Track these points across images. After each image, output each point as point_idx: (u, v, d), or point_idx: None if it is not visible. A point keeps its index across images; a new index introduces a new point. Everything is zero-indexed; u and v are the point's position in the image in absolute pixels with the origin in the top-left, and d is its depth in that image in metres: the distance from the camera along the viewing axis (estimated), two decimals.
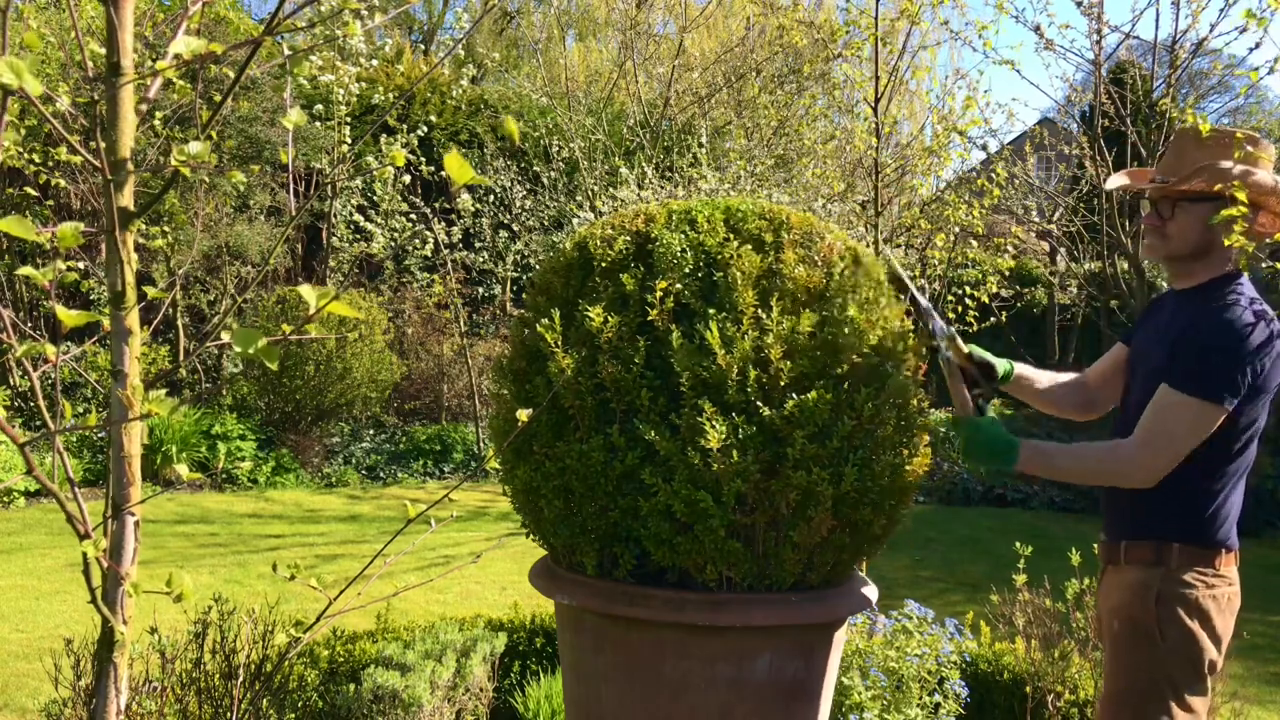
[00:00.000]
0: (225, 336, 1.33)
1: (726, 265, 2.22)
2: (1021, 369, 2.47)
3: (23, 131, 8.24)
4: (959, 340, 2.38)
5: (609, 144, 11.78)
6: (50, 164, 8.26)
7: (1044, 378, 2.50)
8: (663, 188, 8.71)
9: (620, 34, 13.39)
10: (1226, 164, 2.06)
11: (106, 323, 1.53)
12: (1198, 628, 2.06)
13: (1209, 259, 2.15)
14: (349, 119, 10.07)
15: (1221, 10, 5.86)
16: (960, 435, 2.22)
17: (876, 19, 4.94)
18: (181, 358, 9.57)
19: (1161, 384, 2.05)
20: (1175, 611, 2.06)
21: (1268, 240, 2.20)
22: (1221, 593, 2.09)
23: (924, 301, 2.39)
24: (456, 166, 1.24)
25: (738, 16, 13.94)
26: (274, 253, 1.96)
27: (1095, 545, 2.37)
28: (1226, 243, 2.09)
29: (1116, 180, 2.30)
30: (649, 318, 2.20)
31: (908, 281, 2.39)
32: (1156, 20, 11.12)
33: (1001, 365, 2.41)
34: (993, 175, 7.26)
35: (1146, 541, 2.13)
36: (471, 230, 11.69)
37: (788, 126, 9.84)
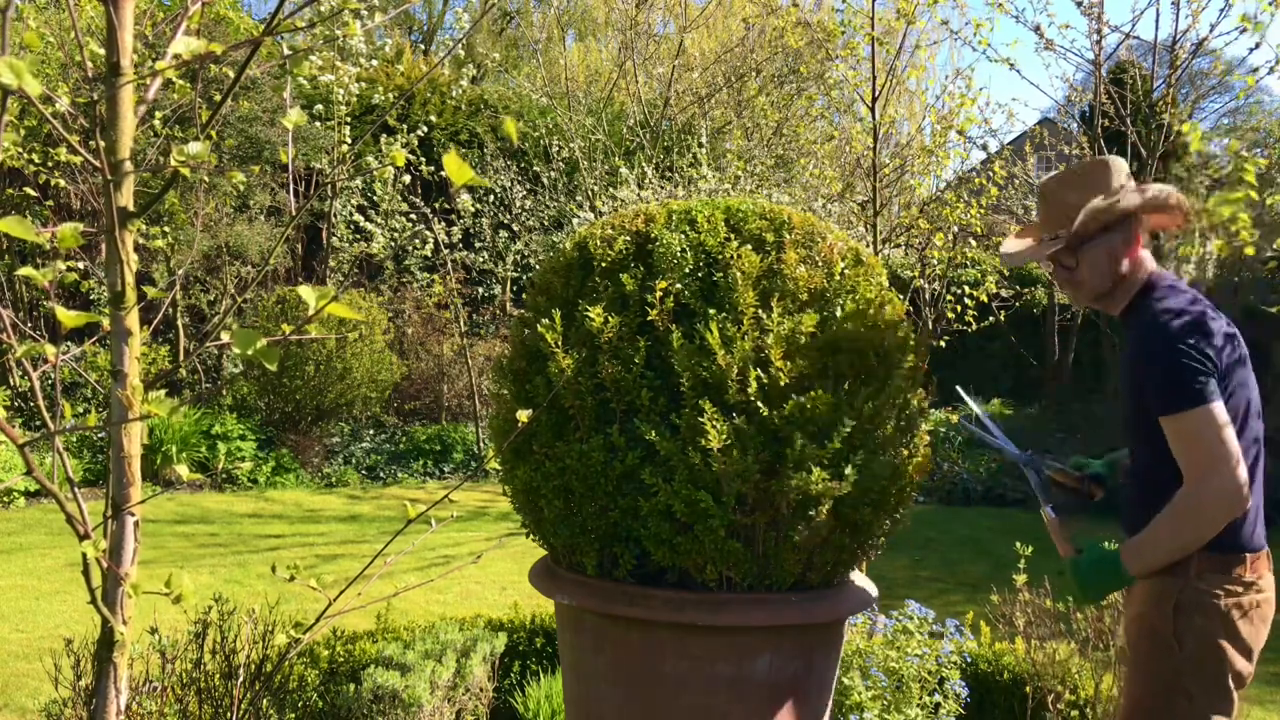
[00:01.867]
0: (225, 337, 1.33)
1: (727, 265, 2.22)
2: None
3: (22, 132, 8.25)
4: (1057, 478, 2.42)
5: (609, 144, 11.78)
6: (50, 164, 8.26)
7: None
8: (663, 188, 8.71)
9: (620, 34, 13.39)
10: (1098, 200, 2.13)
11: (106, 323, 1.53)
12: (1220, 638, 2.00)
13: (1125, 283, 2.18)
14: (349, 119, 10.07)
15: (1221, 10, 5.85)
16: (1072, 581, 2.17)
17: (873, 19, 4.94)
18: (181, 358, 9.57)
19: (1160, 420, 2.02)
20: (1194, 621, 2.00)
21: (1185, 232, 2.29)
22: (1248, 600, 2.01)
23: (1014, 454, 2.42)
24: (455, 167, 1.24)
25: (737, 16, 13.94)
26: (274, 253, 1.96)
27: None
28: (1223, 252, 2.10)
29: (1012, 249, 2.32)
30: (649, 318, 2.20)
31: (993, 433, 2.43)
32: (1156, 20, 11.12)
33: (1106, 468, 2.46)
34: (991, 175, 7.26)
35: None
36: (471, 230, 11.69)
37: (786, 127, 9.84)
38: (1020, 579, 3.70)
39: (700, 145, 9.86)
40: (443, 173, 9.80)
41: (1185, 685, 2.02)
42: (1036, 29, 6.38)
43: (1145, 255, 2.18)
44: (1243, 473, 1.95)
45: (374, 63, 11.66)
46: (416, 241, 11.20)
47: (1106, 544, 2.12)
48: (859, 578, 2.51)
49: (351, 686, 3.09)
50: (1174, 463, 2.00)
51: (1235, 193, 2.53)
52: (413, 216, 11.04)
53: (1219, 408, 1.96)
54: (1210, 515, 1.97)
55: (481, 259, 11.94)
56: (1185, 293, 2.12)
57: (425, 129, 10.75)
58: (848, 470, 2.12)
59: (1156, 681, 2.06)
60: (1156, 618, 2.05)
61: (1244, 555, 2.02)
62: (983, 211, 7.11)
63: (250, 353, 1.26)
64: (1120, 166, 2.19)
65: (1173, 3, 6.26)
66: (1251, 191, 2.70)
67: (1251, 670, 2.05)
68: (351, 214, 11.20)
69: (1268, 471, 2.21)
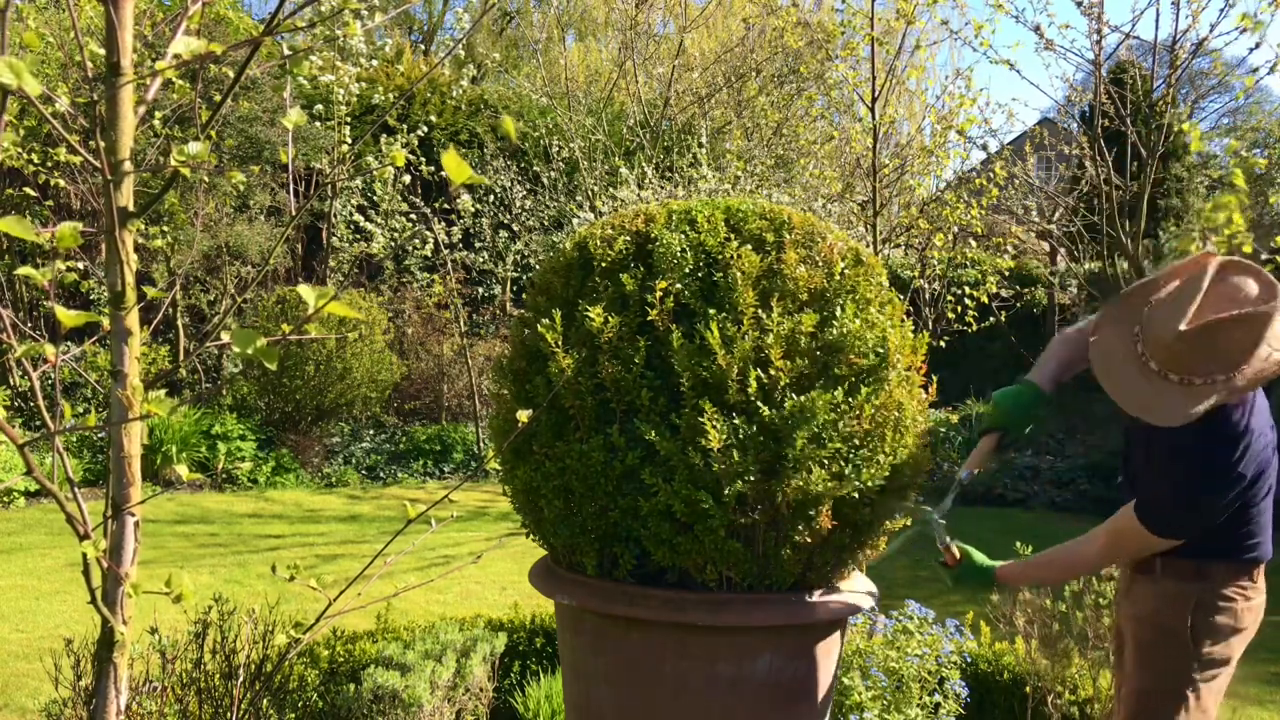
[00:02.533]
0: (225, 337, 1.33)
1: (727, 265, 2.22)
2: (1039, 377, 2.37)
3: (22, 132, 8.25)
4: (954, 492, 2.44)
5: (609, 144, 11.77)
6: (50, 164, 8.26)
7: (1063, 368, 2.40)
8: (663, 188, 8.70)
9: (620, 34, 13.39)
10: (1239, 374, 1.88)
11: (106, 323, 1.53)
12: (1231, 635, 2.12)
13: None
14: (349, 119, 10.06)
15: (1221, 10, 5.86)
16: (950, 580, 2.42)
17: (873, 19, 4.94)
18: (181, 358, 9.57)
19: (1136, 501, 2.08)
20: (1212, 620, 2.11)
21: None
22: (1256, 602, 2.16)
23: (933, 525, 2.44)
24: (455, 166, 1.24)
25: (737, 16, 13.94)
26: (274, 253, 1.96)
27: None
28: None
29: (1175, 406, 1.93)
30: (649, 318, 2.20)
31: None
32: (1156, 20, 11.11)
33: (1015, 428, 2.35)
34: (991, 175, 7.26)
35: (1186, 559, 2.12)
36: (471, 230, 11.69)
37: (786, 127, 9.84)
38: None
39: (700, 145, 9.86)
40: (443, 173, 9.80)
41: (1195, 679, 2.12)
42: (1036, 29, 6.38)
43: None
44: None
45: (374, 63, 11.66)
46: (416, 241, 11.20)
47: (974, 555, 2.39)
48: (859, 578, 2.51)
49: (351, 686, 3.09)
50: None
51: (1227, 196, 2.52)
52: (413, 216, 11.04)
53: (1166, 542, 2.07)
54: (1079, 574, 2.40)
55: (481, 259, 11.94)
56: (1251, 411, 2.02)
57: (425, 129, 10.75)
58: (848, 470, 2.12)
59: (1168, 676, 2.15)
60: (1172, 617, 2.14)
61: (1260, 564, 2.16)
62: (983, 212, 7.11)
63: (250, 352, 1.26)
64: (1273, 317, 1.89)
65: (1173, 3, 6.26)
66: (1243, 195, 2.69)
67: (1234, 664, 2.19)
68: (351, 214, 11.20)
69: None
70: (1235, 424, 1.99)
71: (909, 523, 2.46)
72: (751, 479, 2.08)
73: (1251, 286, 1.89)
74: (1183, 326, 1.87)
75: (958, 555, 2.39)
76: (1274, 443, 2.08)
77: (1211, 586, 2.11)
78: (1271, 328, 1.87)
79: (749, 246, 2.24)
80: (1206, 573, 2.12)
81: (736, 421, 2.09)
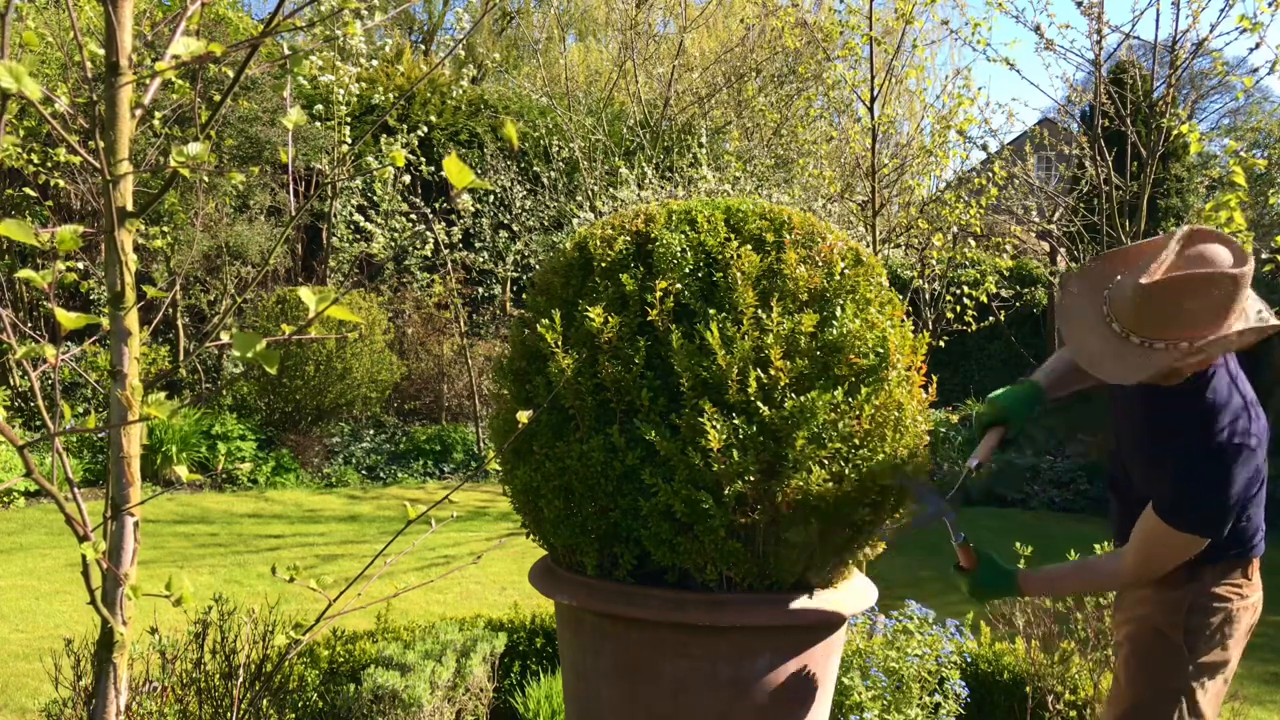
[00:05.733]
0: (225, 337, 1.33)
1: (727, 265, 2.22)
2: (1048, 380, 2.33)
3: (22, 132, 8.25)
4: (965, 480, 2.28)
5: (609, 144, 11.77)
6: (50, 164, 8.27)
7: (1055, 380, 2.36)
8: (663, 188, 8.71)
9: (620, 34, 13.39)
10: (1201, 339, 1.84)
11: (106, 323, 1.53)
12: (1226, 637, 2.09)
13: (1177, 375, 1.99)
14: (349, 119, 10.06)
15: (1221, 10, 5.86)
16: (968, 588, 2.25)
17: (871, 20, 4.94)
18: (181, 358, 9.57)
19: (1150, 508, 2.01)
20: (1206, 621, 2.09)
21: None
22: (1253, 600, 2.13)
23: (935, 514, 2.26)
24: (456, 170, 1.24)
25: (737, 17, 13.94)
26: (274, 253, 1.97)
27: (1097, 546, 2.36)
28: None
29: (1108, 360, 1.93)
30: (649, 318, 2.20)
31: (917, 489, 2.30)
32: (1156, 20, 11.13)
33: (1016, 421, 2.28)
34: (991, 175, 7.26)
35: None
36: (471, 230, 11.69)
37: (786, 127, 9.84)
38: None
39: (700, 145, 9.86)
40: (443, 173, 9.83)
41: (1189, 682, 2.09)
42: (1036, 29, 6.38)
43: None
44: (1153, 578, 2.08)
45: (374, 63, 11.66)
46: (416, 241, 11.20)
47: (996, 557, 2.24)
48: (859, 578, 2.51)
49: (351, 686, 3.09)
50: None
51: (1227, 195, 2.51)
52: (413, 216, 11.04)
53: (1198, 542, 1.98)
54: (1109, 590, 2.23)
55: (481, 259, 11.94)
56: (1235, 379, 2.01)
57: (425, 129, 10.75)
58: (848, 470, 2.12)
59: (1161, 680, 2.12)
60: (1165, 621, 2.11)
61: (1251, 560, 2.13)
62: (982, 211, 7.11)
63: (250, 356, 1.26)
64: (1248, 276, 1.86)
65: (1173, 3, 6.26)
66: (1242, 193, 2.68)
67: (1238, 658, 2.15)
68: (351, 214, 11.20)
69: (1268, 473, 2.23)
70: (1223, 390, 1.97)
71: (916, 504, 2.30)
72: (751, 479, 2.08)
73: (1223, 253, 1.85)
74: (1144, 280, 1.83)
75: (974, 558, 2.21)
76: (1267, 430, 2.04)
77: (1203, 587, 2.08)
78: (1240, 298, 1.84)
79: (749, 246, 2.24)
80: (1199, 574, 2.08)
81: (736, 421, 2.09)
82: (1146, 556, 2.04)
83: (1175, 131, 5.92)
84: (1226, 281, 1.81)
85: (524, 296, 2.70)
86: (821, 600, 2.26)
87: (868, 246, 5.63)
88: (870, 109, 5.27)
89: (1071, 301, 2.02)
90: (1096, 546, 3.25)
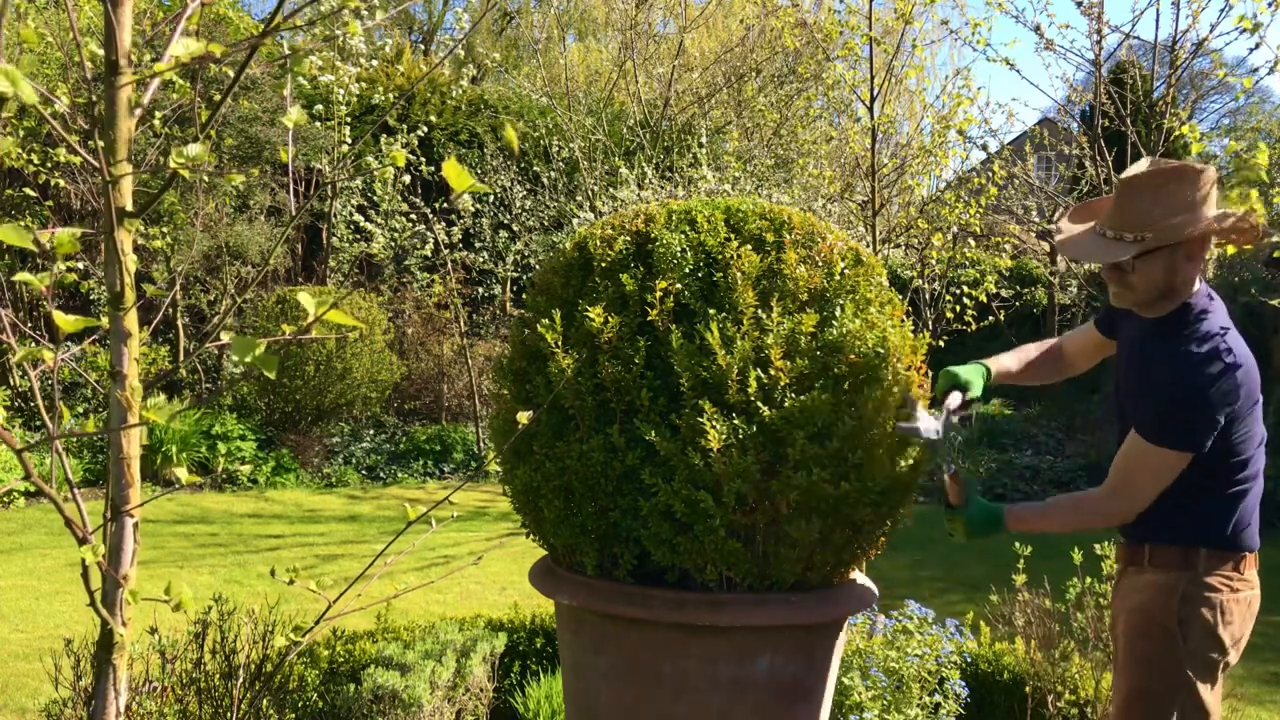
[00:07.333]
0: (225, 337, 1.33)
1: (727, 265, 2.22)
2: (997, 366, 2.48)
3: (22, 132, 8.25)
4: (944, 426, 2.28)
5: (609, 144, 11.77)
6: (50, 164, 8.26)
7: (1017, 362, 2.53)
8: (663, 188, 8.70)
9: (620, 34, 13.39)
10: (1175, 219, 2.05)
11: (106, 324, 1.52)
12: (1219, 630, 2.10)
13: (1174, 295, 2.13)
14: (349, 119, 10.06)
15: (1221, 10, 5.86)
16: (959, 527, 2.28)
17: (871, 20, 4.94)
18: (181, 358, 9.57)
19: (1132, 430, 2.11)
20: (1199, 613, 2.10)
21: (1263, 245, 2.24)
22: (1245, 596, 2.14)
23: (926, 430, 2.24)
24: (455, 174, 1.24)
25: (737, 17, 13.94)
26: (274, 253, 1.96)
27: (1097, 545, 2.37)
28: (1233, 251, 2.10)
29: (1075, 239, 2.24)
30: (649, 318, 2.20)
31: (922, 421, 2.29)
32: (1156, 20, 11.10)
33: (974, 386, 2.36)
34: (991, 175, 7.26)
35: (1173, 546, 2.14)
36: (471, 230, 11.69)
37: (785, 127, 9.84)
38: (1020, 579, 3.70)
39: (700, 145, 9.86)
40: (442, 173, 9.83)
41: (1186, 673, 2.11)
42: (1036, 29, 6.38)
43: (1197, 276, 2.14)
44: (1140, 510, 2.13)
45: (374, 63, 11.66)
46: (416, 241, 11.19)
47: (982, 498, 2.29)
48: (859, 578, 2.51)
49: (351, 686, 3.09)
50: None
51: (1250, 174, 2.56)
52: (413, 216, 11.04)
53: (1182, 458, 2.06)
54: (1097, 523, 2.21)
55: (481, 259, 11.93)
56: (1219, 315, 2.11)
57: (425, 129, 10.74)
58: (848, 470, 2.12)
59: (1158, 670, 2.14)
60: (1159, 610, 2.13)
61: (1244, 554, 2.15)
62: (982, 211, 7.11)
63: (249, 360, 1.26)
64: (1209, 178, 2.08)
65: (1173, 3, 6.26)
66: (1263, 174, 2.74)
67: (1236, 659, 2.17)
68: (351, 214, 11.20)
69: (1267, 472, 2.26)
70: (1212, 325, 2.08)
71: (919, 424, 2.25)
72: (751, 479, 2.08)
73: (1188, 164, 2.09)
74: (1124, 175, 2.11)
75: (963, 492, 2.24)
76: (1258, 382, 2.09)
77: (1196, 575, 2.10)
78: (1205, 198, 2.07)
79: (749, 246, 2.24)
80: (1192, 560, 2.11)
81: (736, 421, 2.09)
82: (1128, 479, 2.13)
83: (1175, 132, 5.92)
84: (1193, 175, 2.07)
85: (524, 296, 2.70)
86: (821, 600, 2.26)
87: (868, 246, 5.63)
88: (870, 109, 5.27)
89: (1065, 227, 2.29)
90: (1097, 546, 3.26)
